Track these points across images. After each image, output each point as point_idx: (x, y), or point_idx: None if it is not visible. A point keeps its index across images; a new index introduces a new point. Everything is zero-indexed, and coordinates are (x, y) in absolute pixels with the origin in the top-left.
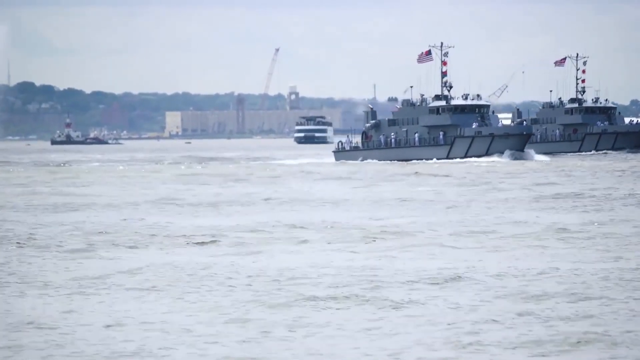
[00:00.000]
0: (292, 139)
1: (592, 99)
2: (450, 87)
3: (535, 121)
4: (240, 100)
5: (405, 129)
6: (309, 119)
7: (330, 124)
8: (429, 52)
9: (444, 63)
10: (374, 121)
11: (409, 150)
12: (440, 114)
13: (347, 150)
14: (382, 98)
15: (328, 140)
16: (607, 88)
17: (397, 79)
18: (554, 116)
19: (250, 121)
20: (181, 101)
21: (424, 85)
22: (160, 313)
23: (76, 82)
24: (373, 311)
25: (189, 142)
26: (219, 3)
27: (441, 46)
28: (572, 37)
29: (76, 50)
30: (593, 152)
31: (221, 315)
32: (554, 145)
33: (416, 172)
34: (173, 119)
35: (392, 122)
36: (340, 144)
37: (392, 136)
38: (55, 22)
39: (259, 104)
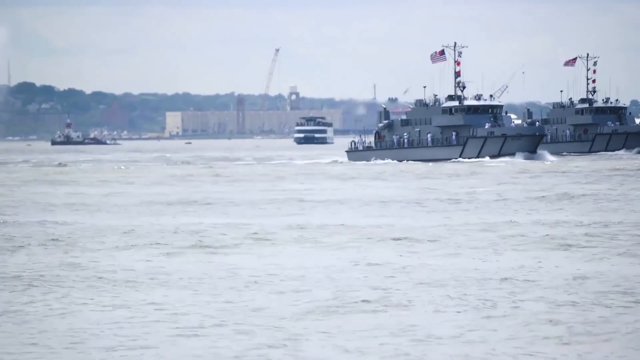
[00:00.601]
0: (292, 140)
1: (603, 99)
2: (464, 87)
3: (545, 121)
4: (241, 101)
5: (418, 129)
6: (309, 120)
7: (330, 125)
8: (442, 52)
9: (457, 63)
10: (386, 121)
11: (422, 150)
12: (453, 114)
13: (360, 150)
14: (382, 98)
15: (328, 140)
16: (618, 88)
17: (397, 79)
18: (564, 116)
19: (250, 121)
20: (181, 101)
21: (437, 85)
22: (149, 313)
23: (76, 82)
24: (366, 313)
25: (189, 143)
26: (219, 3)
27: (454, 46)
28: (572, 37)
29: (76, 50)
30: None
31: (217, 318)
32: (564, 146)
33: (426, 172)
34: (173, 120)
35: (404, 122)
36: (353, 144)
37: (405, 136)
38: (55, 22)
39: (259, 104)
